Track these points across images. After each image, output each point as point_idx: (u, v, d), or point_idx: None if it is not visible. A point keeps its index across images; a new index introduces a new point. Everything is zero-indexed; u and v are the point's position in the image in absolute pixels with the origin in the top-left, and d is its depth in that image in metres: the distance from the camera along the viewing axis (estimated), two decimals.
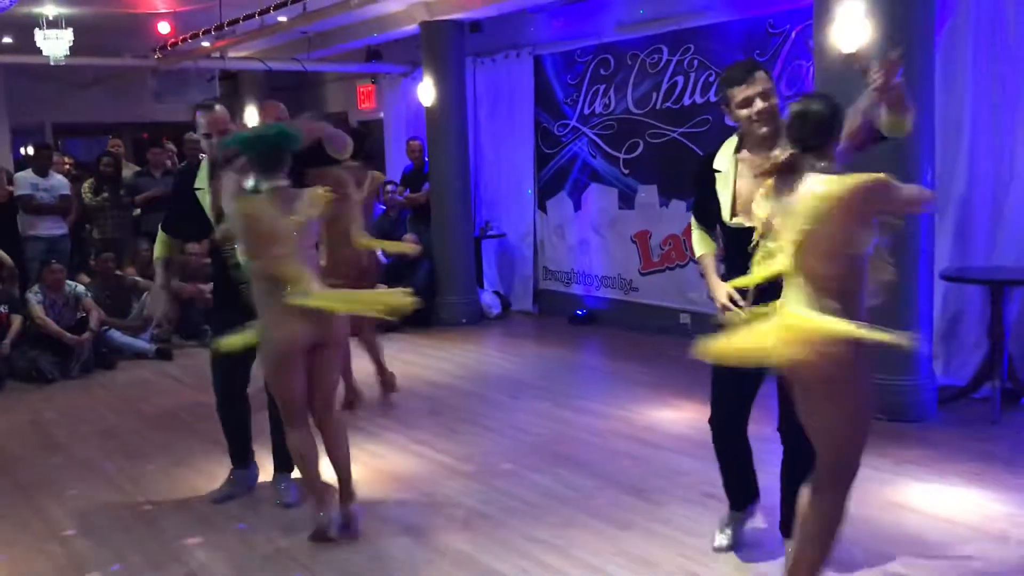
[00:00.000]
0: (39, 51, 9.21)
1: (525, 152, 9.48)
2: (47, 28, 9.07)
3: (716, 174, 3.56)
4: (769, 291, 3.16)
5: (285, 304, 3.78)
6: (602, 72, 8.57)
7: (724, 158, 3.57)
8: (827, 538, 3.08)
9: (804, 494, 3.13)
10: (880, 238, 3.00)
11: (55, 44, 9.10)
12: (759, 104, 3.41)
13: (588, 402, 6.22)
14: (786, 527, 3.61)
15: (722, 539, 3.80)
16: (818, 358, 2.82)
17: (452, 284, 9.16)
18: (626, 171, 8.47)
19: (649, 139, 8.17)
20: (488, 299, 9.55)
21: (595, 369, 7.69)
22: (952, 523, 4.04)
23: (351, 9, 8.63)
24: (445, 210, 9.17)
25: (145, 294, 8.32)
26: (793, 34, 6.85)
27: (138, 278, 8.44)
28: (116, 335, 8.03)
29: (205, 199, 4.45)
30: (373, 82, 12.00)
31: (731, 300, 3.46)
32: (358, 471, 5.02)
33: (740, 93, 3.43)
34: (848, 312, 2.88)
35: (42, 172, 8.88)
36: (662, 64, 7.97)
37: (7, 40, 10.63)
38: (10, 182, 9.02)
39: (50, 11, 9.10)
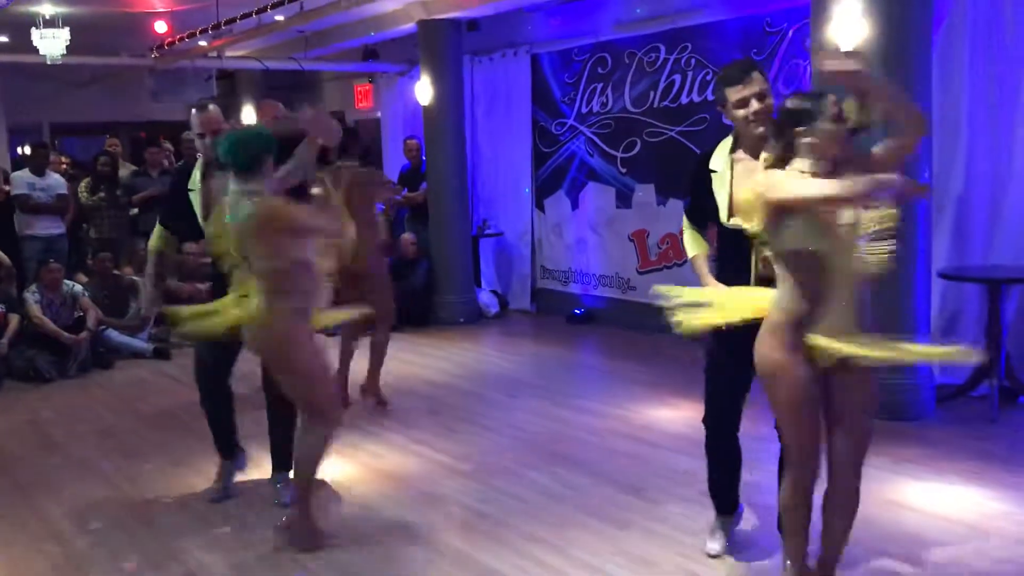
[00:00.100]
0: (36, 50, 9.19)
1: (523, 151, 9.48)
2: (44, 27, 9.05)
3: (712, 174, 3.56)
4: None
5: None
6: (599, 71, 8.57)
7: (720, 158, 3.57)
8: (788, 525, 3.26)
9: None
10: (867, 236, 3.02)
11: (52, 43, 9.08)
12: (755, 104, 3.41)
13: (586, 401, 6.23)
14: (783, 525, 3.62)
15: (714, 545, 3.80)
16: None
17: (450, 283, 9.16)
18: (624, 170, 8.47)
19: (647, 138, 8.17)
20: (486, 298, 9.55)
21: (593, 368, 7.69)
22: (950, 521, 4.05)
23: (347, 8, 8.63)
24: (443, 209, 9.16)
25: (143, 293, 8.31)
26: (790, 33, 6.85)
27: (135, 277, 8.43)
28: (113, 335, 8.02)
29: (196, 199, 4.45)
30: (370, 81, 11.99)
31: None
32: (356, 470, 5.04)
33: (736, 93, 3.43)
34: (792, 307, 3.00)
35: (39, 171, 8.86)
36: (659, 63, 7.97)
37: (3, 39, 10.60)
38: (7, 181, 9.01)
39: (47, 10, 9.08)
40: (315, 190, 4.25)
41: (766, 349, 3.09)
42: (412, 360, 7.48)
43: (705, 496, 3.95)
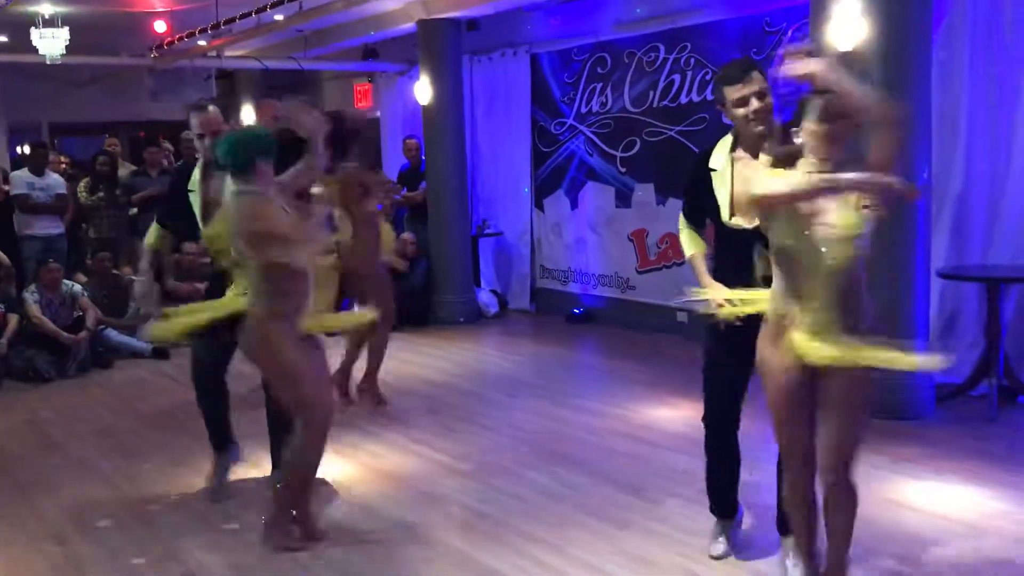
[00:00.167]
0: (35, 50, 9.18)
1: (522, 150, 9.48)
2: (43, 27, 9.05)
3: (712, 173, 3.56)
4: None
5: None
6: (599, 70, 8.57)
7: (720, 157, 3.56)
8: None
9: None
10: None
11: (51, 43, 9.08)
12: (755, 103, 3.40)
13: (585, 401, 6.23)
14: (783, 524, 3.63)
15: (718, 547, 3.79)
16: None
17: (449, 283, 9.16)
18: (623, 169, 8.47)
19: (646, 137, 8.17)
20: (485, 298, 9.55)
21: (592, 368, 7.69)
22: (949, 520, 4.05)
23: (346, 8, 8.63)
24: (442, 209, 9.16)
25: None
26: (790, 32, 6.84)
27: (135, 277, 8.42)
28: (113, 334, 8.02)
29: (196, 200, 4.46)
30: (370, 81, 11.99)
31: (727, 300, 3.47)
32: (355, 469, 5.04)
33: (736, 92, 3.42)
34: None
35: (38, 171, 8.86)
36: (659, 62, 7.97)
37: (3, 39, 10.60)
38: (6, 181, 9.01)
39: (46, 10, 9.08)
40: (316, 189, 4.25)
41: (759, 344, 3.14)
42: (411, 360, 7.48)
43: (704, 495, 3.94)
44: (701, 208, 3.65)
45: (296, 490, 4.05)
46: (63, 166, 10.13)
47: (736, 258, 3.47)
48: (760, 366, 3.13)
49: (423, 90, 9.17)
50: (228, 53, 10.86)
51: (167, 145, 10.53)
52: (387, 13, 9.39)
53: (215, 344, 4.34)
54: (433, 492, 4.66)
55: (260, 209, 3.75)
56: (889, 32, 5.17)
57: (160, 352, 8.03)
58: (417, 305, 8.85)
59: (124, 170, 9.70)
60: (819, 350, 2.95)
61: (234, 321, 3.98)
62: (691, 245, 3.75)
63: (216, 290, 4.62)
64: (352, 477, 4.93)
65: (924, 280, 5.45)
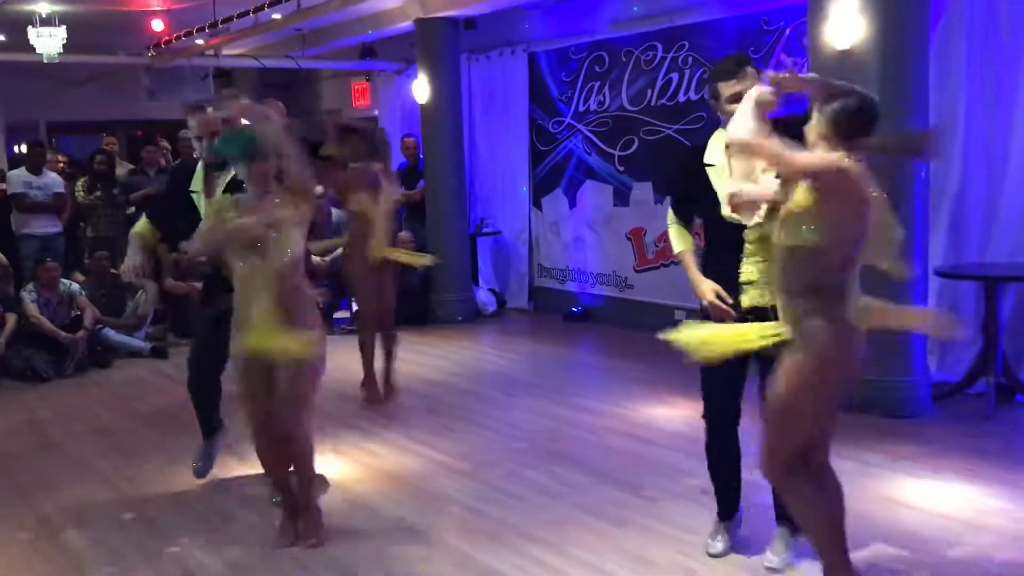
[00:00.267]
0: (32, 49, 9.18)
1: (520, 149, 9.48)
2: (40, 26, 9.05)
3: (708, 168, 3.56)
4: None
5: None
6: (597, 69, 8.57)
7: (717, 152, 3.56)
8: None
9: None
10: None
11: (48, 42, 9.08)
12: None
13: (584, 399, 6.23)
14: (779, 512, 3.68)
15: (717, 545, 3.80)
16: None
17: (447, 282, 9.16)
18: (621, 168, 8.47)
19: (644, 136, 8.17)
20: (483, 297, 9.56)
21: (590, 366, 7.70)
22: (946, 518, 4.06)
23: (344, 6, 8.62)
24: (440, 208, 9.17)
25: (140, 292, 8.31)
26: (787, 31, 6.85)
27: (125, 277, 8.41)
28: (111, 333, 8.02)
29: (201, 201, 4.46)
30: (367, 79, 11.99)
31: (718, 297, 3.49)
32: (354, 469, 5.04)
33: (730, 88, 3.43)
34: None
35: (36, 170, 8.86)
36: (657, 61, 7.97)
37: (0, 38, 10.59)
38: (3, 180, 9.00)
39: (43, 9, 9.07)
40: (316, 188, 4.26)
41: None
42: (410, 359, 7.47)
43: (703, 494, 3.96)
44: (692, 203, 3.65)
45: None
46: (61, 165, 10.13)
47: (727, 254, 3.48)
48: (839, 372, 3.11)
49: (421, 89, 9.17)
50: (226, 52, 10.85)
51: (165, 144, 10.53)
52: (385, 12, 9.39)
53: (218, 344, 4.31)
54: (432, 491, 4.67)
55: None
56: (887, 31, 5.18)
57: (158, 351, 8.03)
58: (415, 304, 8.85)
59: (122, 169, 9.70)
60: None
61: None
62: (680, 241, 3.76)
63: (211, 289, 4.62)
64: (351, 476, 4.93)
65: (922, 278, 5.46)
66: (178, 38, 10.11)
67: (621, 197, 8.51)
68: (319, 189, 4.23)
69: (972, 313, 5.87)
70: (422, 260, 6.53)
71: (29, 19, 9.03)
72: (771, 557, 3.65)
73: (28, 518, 4.54)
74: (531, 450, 5.22)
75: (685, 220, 3.75)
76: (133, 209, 9.18)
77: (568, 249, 9.21)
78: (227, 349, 4.38)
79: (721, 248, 3.55)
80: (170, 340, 8.34)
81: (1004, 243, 5.80)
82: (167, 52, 10.48)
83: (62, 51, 9.21)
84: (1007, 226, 5.78)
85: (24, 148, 10.31)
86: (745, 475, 3.85)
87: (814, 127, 3.05)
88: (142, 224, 4.85)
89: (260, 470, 4.81)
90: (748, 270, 3.42)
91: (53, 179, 8.97)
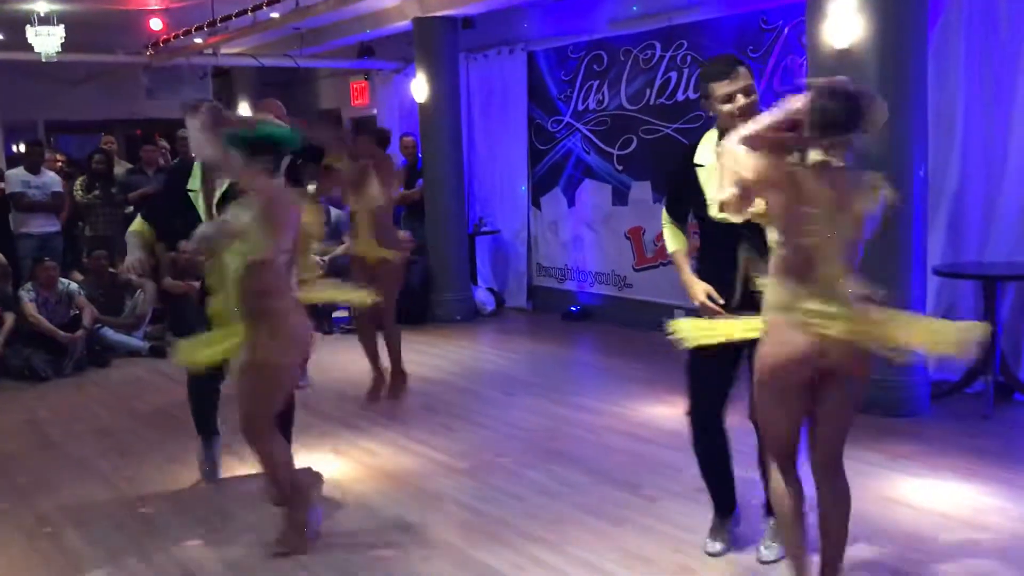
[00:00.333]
0: (31, 48, 9.18)
1: (519, 148, 9.48)
2: (39, 25, 9.05)
3: (699, 168, 3.57)
4: (754, 295, 3.25)
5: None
6: (595, 68, 8.57)
7: (707, 152, 3.56)
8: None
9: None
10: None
11: (47, 41, 9.08)
12: (741, 100, 3.42)
13: (582, 398, 6.23)
14: (768, 506, 3.69)
15: (715, 545, 3.81)
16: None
17: (446, 281, 9.16)
18: (620, 167, 8.47)
19: (643, 135, 8.18)
20: (482, 296, 9.56)
21: (589, 365, 7.70)
22: (945, 517, 4.06)
23: (342, 5, 8.62)
24: (439, 207, 9.16)
25: (138, 291, 8.31)
26: (786, 30, 6.86)
27: (128, 275, 8.41)
28: (109, 333, 8.01)
29: (199, 200, 4.47)
30: (366, 78, 11.98)
31: (709, 297, 3.51)
32: (353, 468, 5.04)
33: (722, 88, 3.43)
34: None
35: (34, 169, 8.85)
36: (655, 60, 7.97)
37: None
38: (1, 179, 9.00)
39: (42, 7, 9.07)
40: (310, 188, 4.26)
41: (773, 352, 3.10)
42: (408, 358, 7.44)
43: (702, 493, 3.95)
44: (685, 203, 3.66)
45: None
46: (59, 164, 10.13)
47: (721, 254, 3.49)
48: (772, 370, 3.06)
49: (419, 88, 9.16)
50: (224, 51, 10.85)
51: (163, 143, 10.53)
52: (383, 11, 9.39)
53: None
54: (430, 490, 4.67)
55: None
56: (885, 29, 5.18)
57: (157, 351, 8.03)
58: (414, 303, 8.85)
59: (120, 168, 9.70)
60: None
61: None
62: (674, 241, 3.77)
63: (201, 289, 4.63)
64: (349, 475, 4.93)
65: (920, 277, 5.46)
66: (176, 37, 10.11)
67: (620, 196, 8.51)
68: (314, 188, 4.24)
69: (971, 312, 5.87)
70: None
71: (27, 18, 9.03)
72: (764, 551, 3.67)
73: (27, 517, 4.54)
74: (529, 449, 5.22)
75: (679, 220, 3.76)
76: (131, 208, 9.17)
77: (567, 248, 9.21)
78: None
79: (714, 248, 3.56)
80: (169, 339, 8.32)
81: (1003, 242, 5.80)
82: (165, 51, 10.48)
83: (60, 50, 9.21)
84: (1006, 225, 5.79)
85: (22, 147, 10.32)
86: (740, 472, 3.85)
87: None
88: (139, 223, 4.87)
89: (260, 470, 4.82)
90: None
91: (51, 178, 8.97)
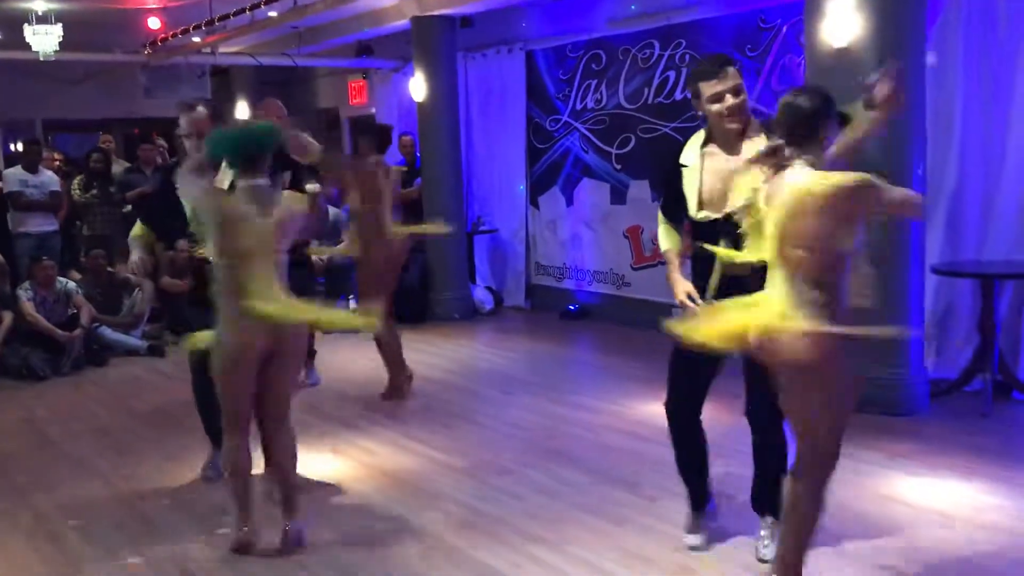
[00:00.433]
0: (29, 47, 9.17)
1: (517, 147, 9.48)
2: (36, 23, 9.04)
3: (683, 169, 3.59)
4: (732, 288, 3.27)
5: (243, 308, 3.69)
6: (594, 67, 8.57)
7: (691, 152, 3.60)
8: (806, 526, 3.14)
9: (787, 483, 3.18)
10: (865, 236, 3.03)
11: (45, 40, 9.07)
12: (730, 100, 3.43)
13: (581, 397, 6.23)
14: (758, 504, 3.73)
15: (695, 539, 3.83)
16: (801, 350, 2.91)
17: (444, 280, 9.16)
18: (618, 166, 8.47)
19: (641, 134, 8.17)
20: (480, 295, 9.55)
21: (588, 364, 7.70)
22: (943, 516, 4.06)
23: (341, 4, 8.62)
24: (437, 206, 9.14)
25: (137, 290, 8.30)
26: (784, 29, 6.86)
27: (129, 275, 8.40)
28: (107, 332, 8.01)
29: (187, 199, 4.48)
30: (364, 77, 11.98)
31: (689, 297, 3.54)
32: (352, 468, 5.04)
33: (711, 88, 3.45)
34: (830, 304, 2.93)
35: (32, 168, 8.85)
36: (654, 59, 7.97)
37: None
38: None
39: (39, 6, 9.06)
40: (310, 187, 4.24)
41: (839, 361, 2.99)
42: (407, 357, 7.43)
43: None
44: (676, 204, 3.68)
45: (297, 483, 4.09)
46: (57, 163, 10.13)
47: (706, 252, 3.50)
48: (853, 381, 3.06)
49: (418, 87, 9.16)
50: (222, 50, 10.84)
51: (161, 142, 10.53)
52: (381, 10, 9.38)
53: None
54: (429, 489, 4.67)
55: (289, 197, 3.85)
56: (883, 28, 5.18)
57: (155, 349, 8.03)
58: (413, 302, 8.85)
59: (118, 167, 9.69)
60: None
61: None
62: (666, 240, 3.80)
63: (201, 287, 4.62)
64: (348, 474, 4.93)
65: (918, 276, 5.46)
66: (174, 36, 10.10)
67: (618, 195, 8.51)
68: (314, 187, 4.21)
69: (969, 311, 5.88)
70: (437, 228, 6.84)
71: (25, 17, 9.02)
72: (762, 549, 3.66)
73: (26, 517, 4.53)
74: (528, 448, 5.22)
75: (673, 219, 3.77)
76: (129, 207, 9.16)
77: (565, 247, 9.21)
78: None
79: (701, 248, 3.57)
80: (167, 338, 8.33)
81: (1001, 240, 5.80)
82: (163, 50, 10.47)
83: (58, 49, 9.20)
84: (1004, 223, 5.79)
85: (20, 146, 10.31)
86: (733, 469, 3.86)
87: None
88: (139, 227, 4.89)
89: (259, 469, 4.82)
90: None
91: (49, 177, 8.96)
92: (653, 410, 5.80)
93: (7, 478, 5.12)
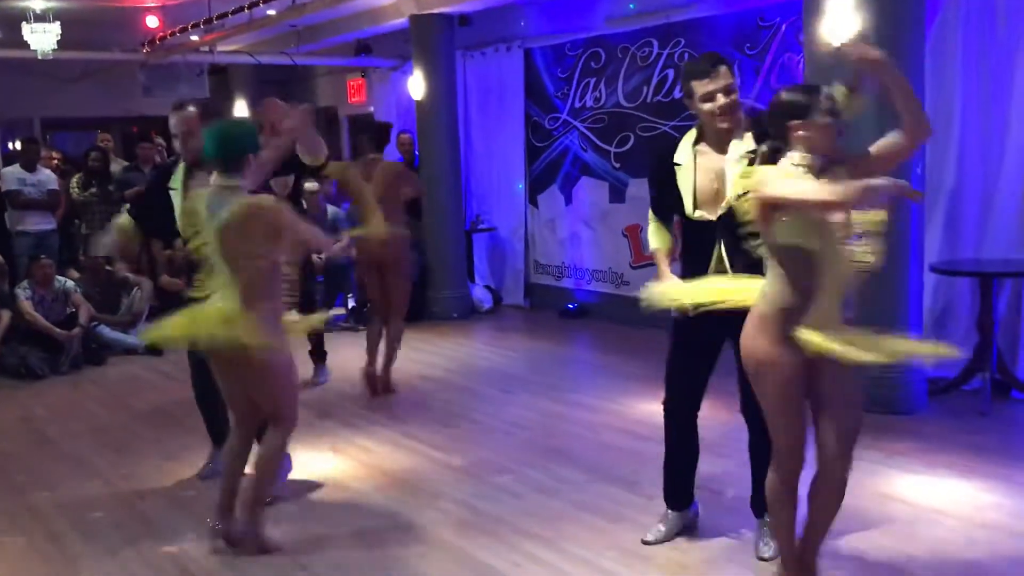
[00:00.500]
0: (27, 45, 9.15)
1: (516, 146, 9.47)
2: (35, 22, 9.03)
3: (676, 167, 3.59)
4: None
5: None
6: (593, 65, 8.56)
7: (684, 151, 3.60)
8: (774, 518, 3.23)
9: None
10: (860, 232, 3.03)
11: (43, 38, 9.06)
12: (721, 99, 3.43)
13: (579, 396, 6.23)
14: (756, 503, 3.72)
15: (655, 533, 3.85)
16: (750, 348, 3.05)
17: (443, 278, 9.16)
18: (617, 165, 8.47)
19: (640, 132, 8.17)
20: (479, 293, 9.55)
21: (586, 363, 7.70)
22: (942, 514, 4.06)
23: (339, 2, 8.61)
24: (436, 204, 9.15)
25: (135, 289, 8.30)
26: (783, 27, 6.85)
27: (128, 274, 8.41)
28: (106, 330, 8.00)
29: (177, 199, 4.48)
30: (363, 76, 11.97)
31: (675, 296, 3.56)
32: (351, 466, 5.04)
33: (703, 87, 3.45)
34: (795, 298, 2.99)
35: (30, 167, 8.84)
36: (652, 57, 7.97)
37: None
38: None
39: (37, 5, 9.05)
40: (309, 185, 4.25)
41: (753, 342, 3.08)
42: (405, 355, 7.44)
43: (698, 490, 3.96)
44: (666, 203, 3.68)
45: (262, 493, 4.02)
46: (55, 162, 10.11)
47: (699, 251, 3.53)
48: (760, 362, 3.08)
49: (416, 85, 9.15)
50: (220, 48, 10.83)
51: (160, 141, 10.51)
52: (379, 8, 9.37)
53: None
54: (428, 488, 4.66)
55: (264, 207, 3.72)
56: (883, 27, 5.17)
57: (153, 348, 8.01)
58: (411, 301, 8.82)
59: (116, 166, 9.68)
60: (839, 345, 2.92)
61: None
62: (656, 239, 3.82)
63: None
64: (347, 473, 4.93)
65: (917, 274, 5.46)
66: (173, 34, 10.09)
67: (617, 194, 8.50)
68: (313, 186, 4.23)
69: (968, 309, 5.88)
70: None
71: (23, 15, 9.01)
72: (761, 547, 3.67)
73: (24, 516, 4.53)
74: (527, 447, 5.22)
75: (663, 218, 3.78)
76: (128, 206, 9.15)
77: (564, 246, 9.20)
78: None
79: (693, 246, 3.60)
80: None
81: (1000, 239, 5.80)
82: (162, 48, 10.46)
83: (56, 47, 9.19)
84: (1003, 222, 5.79)
85: (18, 145, 10.30)
86: (731, 468, 3.86)
87: None
88: (124, 218, 4.91)
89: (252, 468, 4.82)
90: None
91: (47, 176, 8.95)
92: (652, 409, 5.80)
93: (6, 477, 5.12)
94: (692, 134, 3.61)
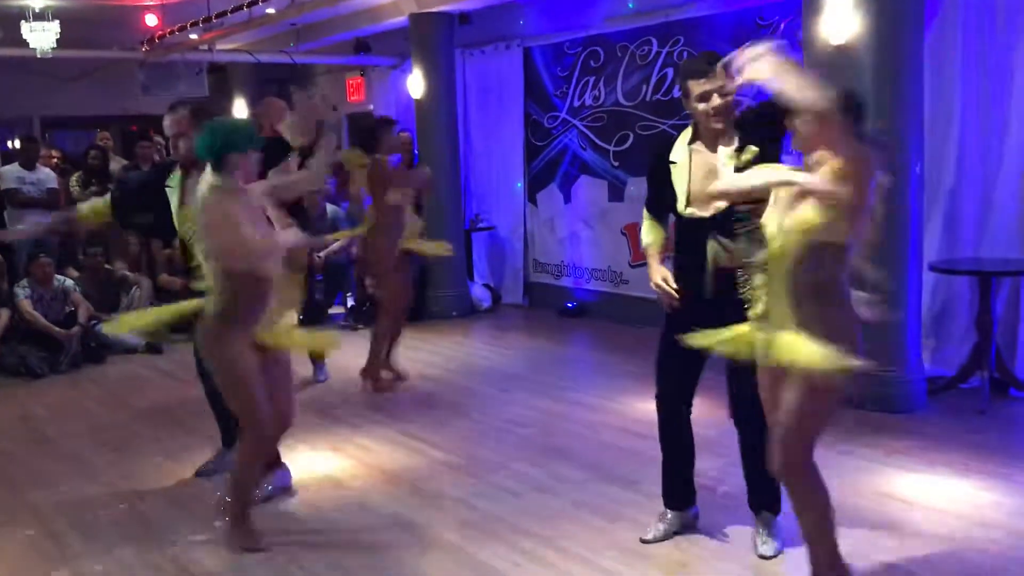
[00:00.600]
0: (26, 44, 9.15)
1: (515, 145, 9.47)
2: (34, 20, 9.02)
3: (672, 165, 3.60)
4: (723, 284, 3.36)
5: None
6: (592, 64, 8.56)
7: (680, 149, 3.62)
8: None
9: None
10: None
11: (42, 36, 9.05)
12: (716, 100, 3.45)
13: (578, 394, 6.24)
14: (754, 502, 3.75)
15: (654, 532, 3.86)
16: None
17: (442, 277, 9.15)
18: (616, 163, 8.47)
19: (639, 131, 8.17)
20: (478, 292, 9.55)
21: (585, 362, 7.70)
22: (941, 513, 4.07)
23: (338, 1, 8.61)
24: (435, 203, 9.14)
25: (134, 288, 8.30)
26: (782, 26, 6.85)
27: (127, 272, 8.41)
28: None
29: (174, 198, 4.49)
30: (362, 74, 11.97)
31: (666, 282, 3.60)
32: (350, 465, 5.04)
33: (699, 87, 3.47)
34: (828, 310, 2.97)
35: (29, 165, 8.83)
36: (652, 56, 7.97)
37: None
38: None
39: (36, 3, 9.04)
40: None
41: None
42: (404, 354, 7.46)
43: (699, 489, 3.96)
44: (661, 200, 3.70)
45: (235, 496, 4.03)
46: (54, 160, 10.10)
47: (694, 248, 3.54)
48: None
49: (415, 84, 9.15)
50: (220, 47, 10.82)
51: (159, 139, 10.49)
52: (379, 7, 9.37)
53: None
54: (426, 487, 4.67)
55: (227, 211, 3.68)
56: (882, 26, 5.18)
57: (153, 347, 8.02)
58: (411, 300, 8.82)
59: (116, 164, 9.67)
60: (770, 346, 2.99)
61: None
62: (648, 234, 3.83)
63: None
64: (345, 472, 4.93)
65: (916, 273, 5.47)
66: (172, 33, 10.08)
67: (616, 192, 8.50)
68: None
69: (967, 308, 5.89)
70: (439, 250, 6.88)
71: (22, 14, 9.00)
72: (762, 547, 3.67)
73: (23, 515, 4.53)
74: (526, 445, 5.22)
75: (657, 215, 3.80)
76: (115, 189, 9.13)
77: (563, 244, 9.20)
78: None
79: (687, 242, 3.61)
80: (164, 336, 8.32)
81: (998, 238, 5.80)
82: (161, 47, 10.45)
83: (55, 46, 9.18)
84: (1001, 221, 5.79)
85: (18, 143, 10.30)
86: (730, 467, 3.86)
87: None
88: (103, 200, 4.81)
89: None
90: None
91: (47, 175, 8.94)
92: (651, 407, 5.76)
93: (5, 477, 5.12)
94: (687, 133, 3.64)
